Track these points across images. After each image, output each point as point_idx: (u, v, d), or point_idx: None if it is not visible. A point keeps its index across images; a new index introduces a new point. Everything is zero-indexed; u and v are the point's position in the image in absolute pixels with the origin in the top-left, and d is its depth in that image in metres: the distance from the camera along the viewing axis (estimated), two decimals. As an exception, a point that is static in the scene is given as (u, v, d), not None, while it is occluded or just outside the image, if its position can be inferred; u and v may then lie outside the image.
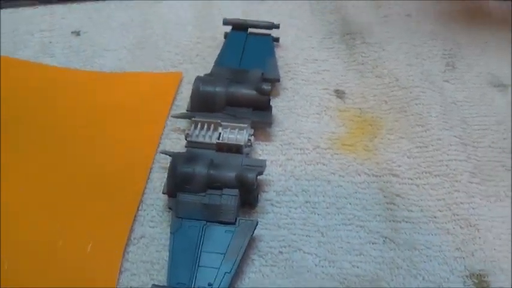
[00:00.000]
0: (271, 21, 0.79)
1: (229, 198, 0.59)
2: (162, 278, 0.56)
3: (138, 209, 0.62)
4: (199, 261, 0.56)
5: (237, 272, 0.56)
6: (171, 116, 0.70)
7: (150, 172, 0.65)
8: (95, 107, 0.71)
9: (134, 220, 0.61)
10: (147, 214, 0.62)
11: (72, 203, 0.62)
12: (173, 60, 0.79)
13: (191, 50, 0.80)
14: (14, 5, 0.86)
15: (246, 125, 0.66)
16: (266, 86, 0.68)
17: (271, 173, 0.66)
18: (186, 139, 0.65)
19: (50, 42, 0.81)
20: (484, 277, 0.58)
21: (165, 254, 0.57)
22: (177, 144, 0.68)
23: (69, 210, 0.61)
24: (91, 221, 0.61)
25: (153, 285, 0.54)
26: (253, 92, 0.68)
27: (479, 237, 0.61)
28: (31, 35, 0.82)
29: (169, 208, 0.61)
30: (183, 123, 0.70)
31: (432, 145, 0.69)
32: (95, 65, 0.78)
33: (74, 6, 0.87)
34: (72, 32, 0.82)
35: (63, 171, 0.65)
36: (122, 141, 0.68)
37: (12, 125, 0.69)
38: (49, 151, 0.67)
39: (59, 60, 0.78)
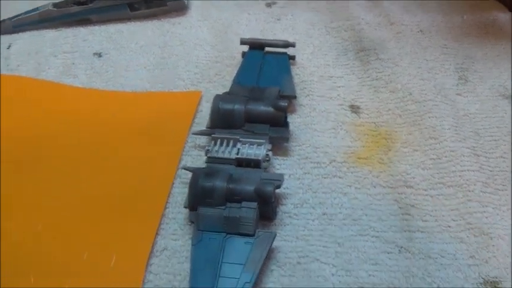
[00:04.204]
0: (287, 39, 0.81)
1: (248, 211, 0.61)
2: (185, 289, 0.58)
3: (160, 223, 0.64)
4: (219, 272, 0.57)
5: (257, 282, 0.58)
6: (192, 134, 0.73)
7: (172, 187, 0.68)
8: (118, 126, 0.74)
9: (157, 234, 0.63)
10: (169, 227, 0.64)
11: (97, 217, 0.65)
12: (192, 79, 0.81)
13: (210, 69, 0.82)
14: (39, 27, 0.89)
15: (263, 141, 0.68)
16: (283, 103, 0.70)
17: (289, 187, 0.67)
18: (206, 155, 0.68)
19: (73, 64, 0.84)
20: (498, 284, 0.59)
21: (187, 266, 0.59)
22: (197, 160, 0.70)
23: (94, 224, 0.64)
24: (115, 235, 0.63)
25: None
26: (271, 109, 0.70)
27: (493, 245, 0.62)
28: (54, 57, 0.85)
29: (191, 221, 0.63)
30: (203, 140, 0.72)
31: (445, 157, 0.70)
32: (117, 85, 0.80)
33: (96, 28, 0.90)
34: (94, 54, 0.85)
35: (89, 188, 0.67)
36: (144, 158, 0.70)
37: (38, 144, 0.72)
38: (76, 169, 0.69)
39: (82, 80, 0.81)
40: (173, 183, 0.68)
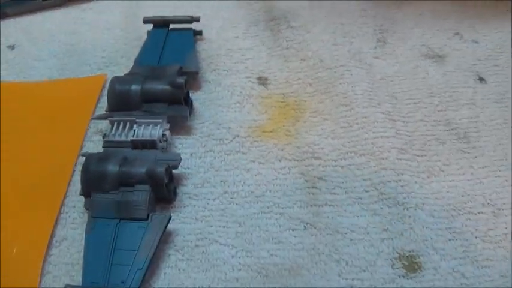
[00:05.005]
0: (198, 15, 0.78)
1: (140, 194, 0.58)
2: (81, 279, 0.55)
3: (60, 212, 0.62)
4: (112, 260, 0.55)
5: (153, 268, 0.56)
6: (92, 119, 0.70)
7: (73, 175, 0.65)
8: (21, 117, 0.72)
9: (56, 223, 0.61)
10: (69, 216, 0.62)
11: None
12: (99, 64, 0.78)
13: (117, 52, 0.80)
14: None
15: (160, 120, 0.65)
16: (180, 80, 0.67)
17: (191, 166, 0.65)
18: (103, 139, 0.65)
19: (-12, 58, 0.82)
20: (416, 258, 0.56)
21: (84, 255, 0.57)
22: (99, 146, 0.67)
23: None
24: (15, 226, 0.61)
25: (66, 285, 0.54)
26: (168, 87, 0.67)
27: (409, 216, 0.59)
28: (-30, 52, 0.83)
29: (86, 208, 0.60)
30: (105, 125, 0.69)
31: (357, 124, 0.67)
32: (28, 76, 0.78)
33: (11, 21, 0.88)
34: (7, 47, 0.83)
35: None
36: (46, 147, 0.68)
37: None
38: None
39: (-4, 73, 0.80)
40: (74, 171, 0.65)
